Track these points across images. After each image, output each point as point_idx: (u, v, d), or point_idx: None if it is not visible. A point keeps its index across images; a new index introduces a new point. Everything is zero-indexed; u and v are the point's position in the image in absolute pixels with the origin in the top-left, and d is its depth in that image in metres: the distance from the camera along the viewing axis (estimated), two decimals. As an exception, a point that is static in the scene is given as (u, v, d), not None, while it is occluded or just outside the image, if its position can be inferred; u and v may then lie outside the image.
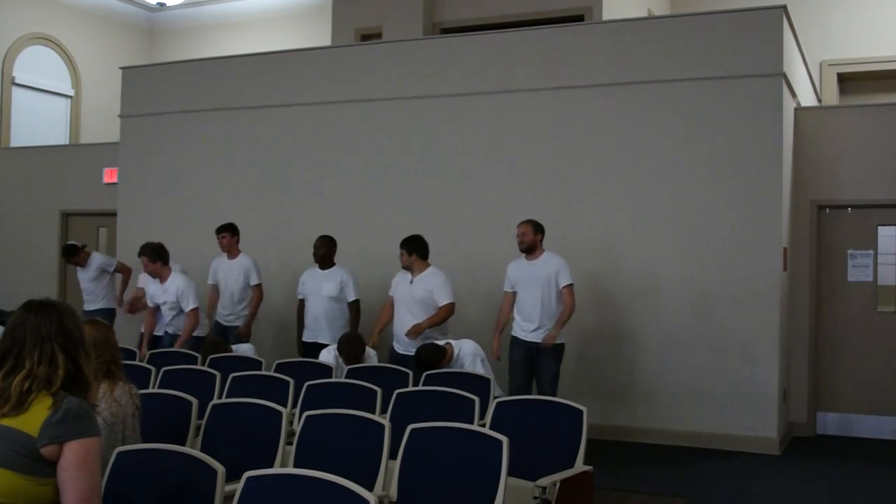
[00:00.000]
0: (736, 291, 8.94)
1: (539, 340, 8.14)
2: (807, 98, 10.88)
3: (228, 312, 9.77)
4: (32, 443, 2.95)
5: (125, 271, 11.12)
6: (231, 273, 9.76)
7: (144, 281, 9.82)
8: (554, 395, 7.84)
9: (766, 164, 8.92)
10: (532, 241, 8.24)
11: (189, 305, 9.21)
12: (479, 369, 7.68)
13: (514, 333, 8.34)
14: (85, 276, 10.98)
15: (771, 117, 8.93)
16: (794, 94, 9.67)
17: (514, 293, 8.37)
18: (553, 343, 8.09)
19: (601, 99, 9.57)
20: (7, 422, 2.99)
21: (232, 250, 9.78)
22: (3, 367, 3.12)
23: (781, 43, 8.96)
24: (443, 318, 8.44)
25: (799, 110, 9.95)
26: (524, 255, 8.32)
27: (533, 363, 8.21)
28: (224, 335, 9.49)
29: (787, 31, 9.13)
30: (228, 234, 9.76)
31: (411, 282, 8.52)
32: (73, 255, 11.01)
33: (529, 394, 7.76)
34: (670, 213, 9.22)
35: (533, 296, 8.19)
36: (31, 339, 3.11)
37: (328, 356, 8.07)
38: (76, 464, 2.96)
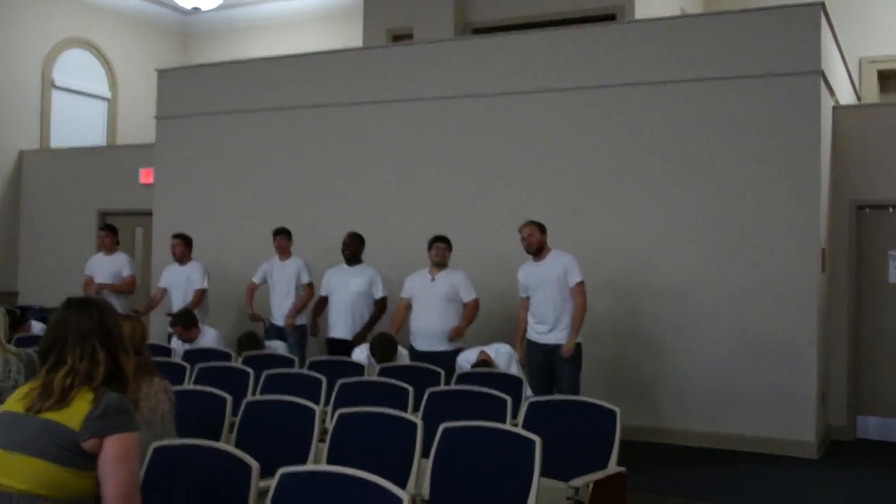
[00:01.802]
0: (773, 293, 8.85)
1: (554, 342, 8.03)
2: (846, 96, 10.75)
3: (283, 314, 9.82)
4: (74, 436, 3.00)
5: (127, 289, 10.91)
6: (284, 274, 9.85)
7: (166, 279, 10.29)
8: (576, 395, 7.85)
9: (804, 164, 8.83)
10: (539, 241, 8.17)
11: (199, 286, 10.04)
12: (514, 370, 7.70)
13: (528, 336, 8.28)
14: (103, 271, 10.87)
15: (808, 116, 8.83)
16: (832, 93, 9.56)
17: (528, 298, 8.31)
18: (572, 351, 8.02)
19: (634, 98, 9.51)
20: (50, 416, 3.04)
21: (285, 252, 9.86)
22: (45, 362, 3.18)
23: (819, 40, 8.86)
24: (473, 315, 8.55)
25: (837, 109, 9.83)
26: (532, 257, 8.24)
27: (551, 366, 8.12)
28: (281, 336, 9.62)
29: (825, 28, 9.02)
30: (286, 237, 9.90)
31: (433, 279, 8.56)
32: (112, 233, 11.03)
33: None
34: (706, 214, 9.15)
35: (545, 297, 8.11)
36: (72, 335, 3.16)
37: (360, 355, 8.10)
38: (116, 458, 3.00)
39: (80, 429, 3.00)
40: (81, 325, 3.17)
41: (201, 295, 9.99)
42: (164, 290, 10.34)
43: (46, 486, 2.99)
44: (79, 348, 3.14)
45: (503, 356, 7.84)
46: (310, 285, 9.85)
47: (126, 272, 10.82)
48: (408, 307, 8.73)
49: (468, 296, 8.55)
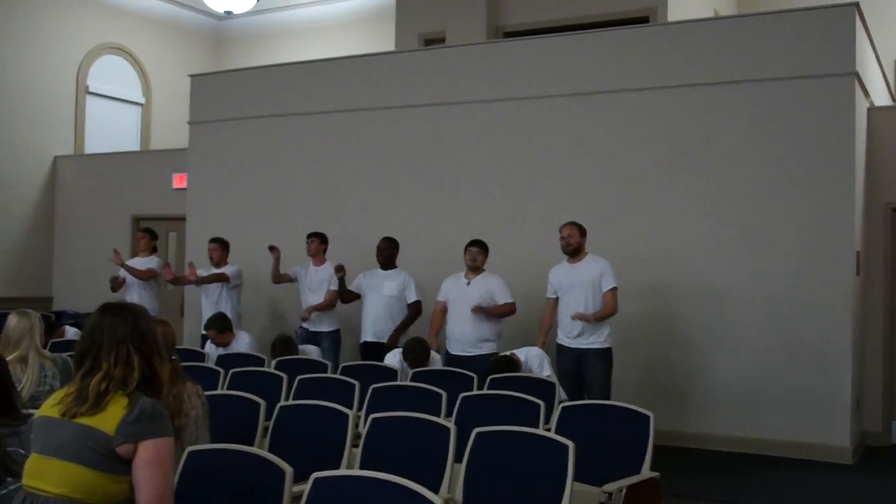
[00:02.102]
0: (807, 297, 8.79)
1: (585, 346, 8.01)
2: (880, 97, 10.64)
3: (315, 318, 9.85)
4: (109, 441, 3.03)
5: (148, 275, 10.73)
6: (317, 278, 9.85)
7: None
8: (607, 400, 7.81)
9: (838, 166, 8.76)
10: (578, 243, 8.15)
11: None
12: (547, 370, 7.68)
13: (558, 341, 8.24)
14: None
15: (843, 118, 8.76)
16: (866, 94, 9.48)
17: (556, 300, 8.27)
18: (589, 319, 7.91)
19: (667, 101, 9.48)
20: (85, 420, 3.07)
21: (318, 256, 9.86)
22: (81, 367, 3.21)
23: (854, 41, 8.78)
24: (506, 312, 8.53)
25: (872, 110, 9.75)
26: (566, 258, 8.21)
27: (581, 370, 8.07)
28: (314, 341, 9.64)
29: (859, 29, 8.94)
30: (318, 241, 9.90)
31: (468, 284, 8.55)
32: (149, 236, 10.98)
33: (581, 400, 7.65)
34: (738, 217, 9.09)
35: (576, 300, 8.06)
36: (107, 340, 3.19)
37: (393, 360, 8.11)
38: (150, 463, 3.04)
39: (115, 434, 3.04)
40: (116, 331, 3.20)
41: (227, 279, 10.04)
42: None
43: (82, 491, 3.02)
44: (113, 353, 3.17)
45: (534, 358, 7.81)
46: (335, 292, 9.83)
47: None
48: (444, 310, 8.72)
49: (503, 298, 8.52)
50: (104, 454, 3.03)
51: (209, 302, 10.08)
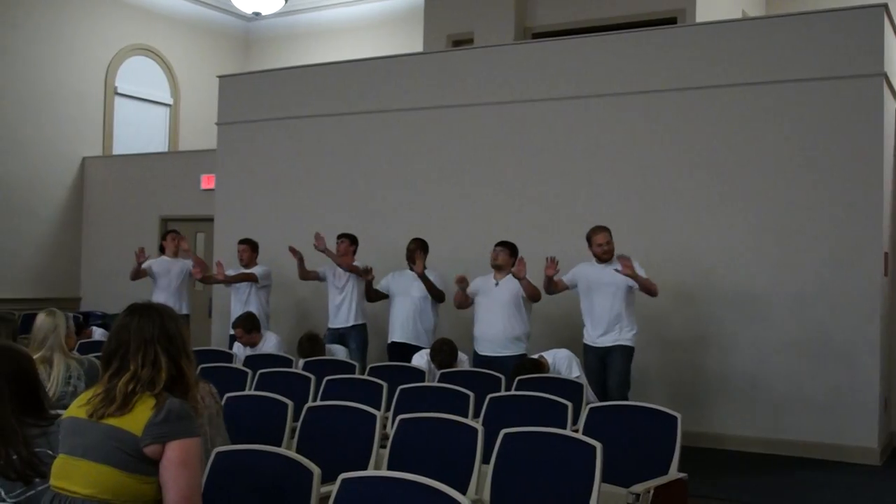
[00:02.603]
0: (835, 297, 8.74)
1: (610, 344, 8.03)
2: (909, 98, 10.58)
3: (341, 322, 9.87)
4: (136, 442, 3.05)
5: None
6: (343, 278, 9.85)
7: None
8: (624, 396, 7.80)
9: (866, 167, 8.70)
10: (613, 249, 8.17)
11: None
12: (576, 371, 7.67)
13: (584, 341, 8.27)
14: (166, 273, 10.85)
15: (872, 118, 8.71)
16: (895, 95, 9.42)
17: (568, 287, 8.31)
18: (628, 269, 7.81)
19: (694, 102, 9.45)
20: (112, 421, 3.08)
21: (348, 257, 9.85)
22: (108, 368, 3.23)
23: (882, 42, 8.73)
24: (537, 291, 8.44)
25: (901, 111, 9.69)
26: (599, 261, 8.22)
27: (605, 369, 8.11)
28: (342, 341, 9.67)
29: (888, 30, 8.88)
30: (347, 241, 9.93)
31: (496, 284, 8.55)
32: (177, 237, 11.07)
33: (605, 400, 7.64)
34: (766, 218, 9.05)
35: (603, 300, 8.09)
36: (135, 341, 3.20)
37: (420, 360, 8.12)
38: (177, 463, 3.05)
39: (142, 434, 3.05)
40: (143, 331, 3.22)
41: (255, 279, 10.11)
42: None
43: (110, 492, 3.04)
44: (141, 354, 3.18)
45: (563, 360, 7.80)
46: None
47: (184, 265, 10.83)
48: (468, 298, 8.72)
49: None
50: (132, 455, 3.05)
51: (238, 301, 10.15)
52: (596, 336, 8.14)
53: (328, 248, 9.70)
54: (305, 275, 10.01)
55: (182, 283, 10.81)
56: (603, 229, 8.22)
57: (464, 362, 8.10)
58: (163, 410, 3.08)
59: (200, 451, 3.19)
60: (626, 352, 8.10)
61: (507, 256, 8.60)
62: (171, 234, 11.15)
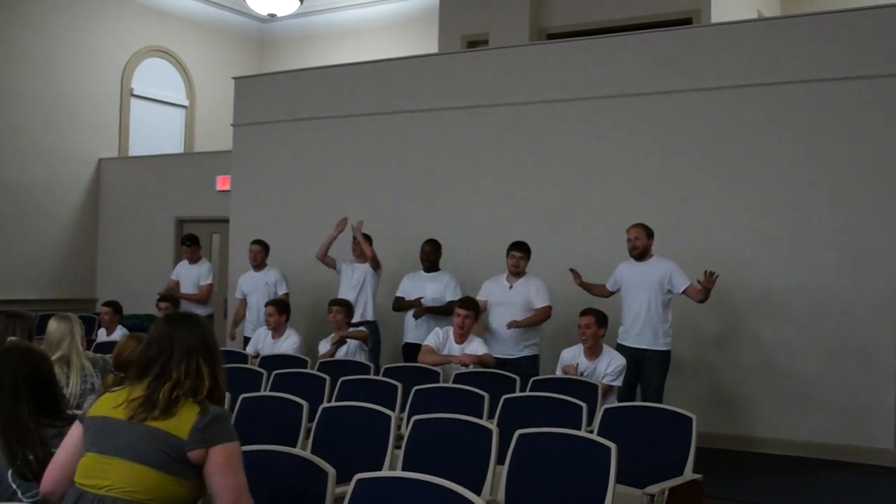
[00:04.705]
0: (853, 299, 8.70)
1: (644, 346, 8.02)
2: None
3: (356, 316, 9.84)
4: (182, 445, 3.12)
5: (202, 298, 10.95)
6: (353, 277, 9.83)
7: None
8: (659, 402, 7.76)
9: (885, 168, 8.66)
10: (644, 245, 8.17)
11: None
12: (619, 381, 7.44)
13: (619, 340, 8.26)
14: (187, 279, 11.01)
15: (890, 119, 8.66)
16: (917, 94, 9.37)
17: (612, 293, 8.34)
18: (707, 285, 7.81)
19: (712, 103, 9.43)
20: (156, 424, 3.14)
21: (362, 257, 9.83)
22: (147, 374, 3.27)
23: (905, 41, 8.70)
24: (541, 319, 8.53)
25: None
26: (634, 259, 8.23)
27: (639, 370, 8.08)
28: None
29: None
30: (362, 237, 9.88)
31: (510, 287, 8.54)
32: (194, 244, 11.12)
33: (633, 401, 7.62)
34: (784, 218, 9.02)
35: (640, 299, 8.10)
36: (178, 350, 3.28)
37: (435, 336, 8.03)
38: (223, 466, 3.14)
39: (188, 438, 3.13)
40: (186, 342, 3.29)
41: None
42: (245, 302, 10.48)
43: (146, 491, 3.09)
44: (184, 364, 3.25)
45: (616, 365, 7.41)
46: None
47: (203, 281, 10.95)
48: (485, 310, 8.71)
49: (540, 301, 8.50)
50: (174, 458, 3.11)
51: (255, 303, 10.21)
52: (631, 335, 8.15)
53: (363, 237, 9.68)
54: (324, 255, 9.91)
55: (195, 287, 10.89)
56: (636, 225, 8.24)
57: (478, 342, 7.97)
58: (207, 416, 3.16)
59: (240, 453, 3.25)
60: (662, 359, 8.10)
61: (526, 261, 8.61)
62: (186, 248, 11.20)
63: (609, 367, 7.34)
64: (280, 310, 8.99)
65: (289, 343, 8.85)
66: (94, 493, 3.11)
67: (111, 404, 3.25)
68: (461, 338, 7.88)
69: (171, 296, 10.09)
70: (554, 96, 10.20)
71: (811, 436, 8.77)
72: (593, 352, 7.41)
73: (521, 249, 8.62)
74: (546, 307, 8.50)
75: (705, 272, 7.83)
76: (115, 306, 9.98)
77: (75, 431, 3.31)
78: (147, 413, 3.15)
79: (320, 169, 11.61)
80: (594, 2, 12.55)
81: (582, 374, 7.28)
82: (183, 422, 3.14)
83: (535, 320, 8.50)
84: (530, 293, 8.49)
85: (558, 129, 10.15)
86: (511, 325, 8.37)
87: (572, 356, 7.52)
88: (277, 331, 8.92)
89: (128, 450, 3.11)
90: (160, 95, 16.44)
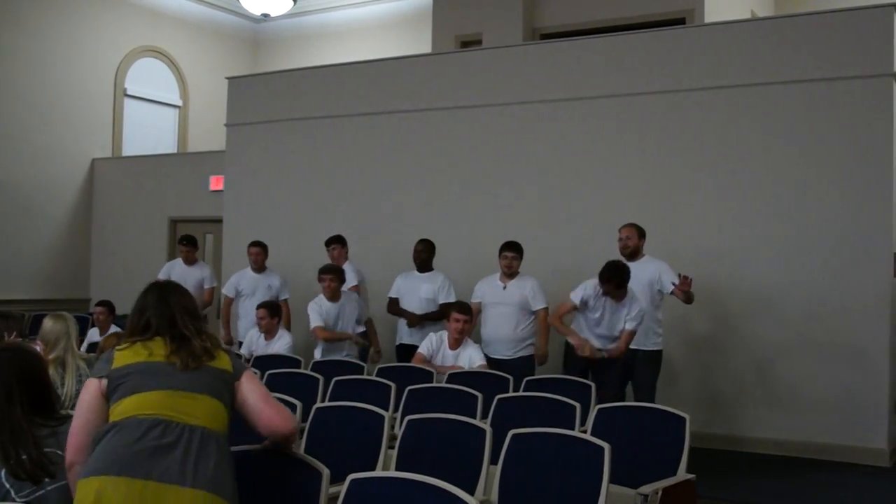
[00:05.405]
0: (845, 299, 8.72)
1: (634, 346, 7.92)
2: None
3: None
4: (232, 378, 3.58)
5: (207, 302, 10.84)
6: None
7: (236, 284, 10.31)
8: (651, 402, 7.76)
9: (876, 168, 8.69)
10: (636, 245, 8.16)
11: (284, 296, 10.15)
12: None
13: None
14: (186, 282, 10.80)
15: (881, 119, 8.69)
16: (905, 95, 9.40)
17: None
18: (688, 291, 7.86)
19: (706, 103, 9.44)
20: (213, 364, 3.55)
21: (341, 259, 9.78)
22: (145, 333, 3.60)
23: (893, 42, 8.70)
24: (546, 325, 8.43)
25: (910, 112, 9.66)
26: (625, 259, 8.20)
27: (630, 370, 8.06)
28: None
29: (897, 30, 8.88)
30: (340, 246, 9.80)
31: (504, 287, 8.51)
32: (192, 245, 10.97)
33: (624, 401, 7.59)
34: (774, 219, 9.04)
35: None
36: (179, 314, 3.65)
37: (428, 343, 7.98)
38: (254, 381, 3.65)
39: (233, 371, 3.59)
40: (185, 306, 3.72)
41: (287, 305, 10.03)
42: (232, 300, 10.34)
43: (217, 422, 3.44)
44: (190, 323, 3.64)
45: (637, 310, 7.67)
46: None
47: (207, 284, 10.85)
48: (478, 311, 8.69)
49: (537, 304, 8.43)
50: (228, 390, 3.54)
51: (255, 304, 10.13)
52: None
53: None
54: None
55: (197, 290, 10.74)
56: (628, 225, 8.24)
57: (474, 348, 7.94)
58: (231, 353, 3.69)
59: None
60: (653, 359, 8.09)
61: (519, 261, 8.59)
62: (184, 247, 11.00)
63: (631, 312, 7.60)
64: (272, 312, 8.97)
65: (281, 343, 8.83)
66: (184, 423, 3.32)
67: (143, 354, 3.49)
68: (456, 343, 7.86)
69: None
70: (547, 96, 10.21)
71: (804, 436, 8.79)
72: (619, 299, 7.64)
73: (513, 249, 8.58)
74: (543, 310, 8.45)
75: (679, 275, 7.84)
76: (108, 306, 9.99)
77: (91, 392, 3.44)
78: (199, 360, 3.51)
79: (314, 169, 11.61)
80: (587, 2, 12.58)
81: (600, 351, 7.60)
82: (224, 361, 3.58)
83: (546, 332, 8.42)
84: (525, 293, 8.46)
85: (552, 129, 10.16)
86: (542, 361, 8.46)
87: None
88: (270, 333, 8.91)
89: (208, 388, 3.45)
90: (154, 95, 16.45)
